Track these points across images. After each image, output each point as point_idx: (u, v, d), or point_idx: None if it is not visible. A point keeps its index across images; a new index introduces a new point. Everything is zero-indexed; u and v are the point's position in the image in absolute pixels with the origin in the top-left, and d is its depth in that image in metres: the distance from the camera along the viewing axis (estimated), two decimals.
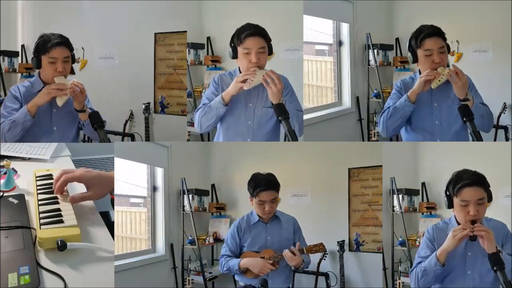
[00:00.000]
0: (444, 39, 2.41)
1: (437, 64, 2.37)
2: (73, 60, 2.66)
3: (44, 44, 2.54)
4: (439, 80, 2.36)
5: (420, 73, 2.46)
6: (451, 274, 2.13)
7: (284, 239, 2.64)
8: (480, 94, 2.47)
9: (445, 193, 2.16)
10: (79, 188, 2.13)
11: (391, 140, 3.59)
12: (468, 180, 2.07)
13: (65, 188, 2.07)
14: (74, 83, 2.52)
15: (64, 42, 2.56)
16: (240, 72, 2.45)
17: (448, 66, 2.41)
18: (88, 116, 2.49)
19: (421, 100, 2.45)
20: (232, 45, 2.43)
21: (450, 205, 2.14)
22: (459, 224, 2.12)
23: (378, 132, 3.83)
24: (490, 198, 2.11)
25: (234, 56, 2.43)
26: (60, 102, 2.53)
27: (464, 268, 2.12)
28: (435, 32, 2.39)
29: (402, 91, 2.50)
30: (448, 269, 2.12)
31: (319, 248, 2.58)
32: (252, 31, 2.38)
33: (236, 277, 2.69)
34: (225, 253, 2.67)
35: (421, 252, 2.21)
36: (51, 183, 2.16)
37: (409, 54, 2.46)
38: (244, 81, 2.36)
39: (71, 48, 2.61)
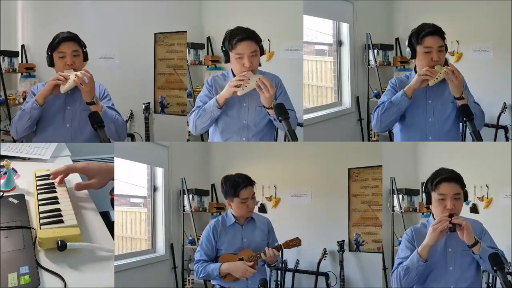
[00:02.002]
0: (444, 39, 2.45)
1: (435, 62, 2.41)
2: (86, 57, 2.69)
3: (53, 41, 2.60)
4: (437, 78, 2.40)
5: (415, 69, 2.50)
6: (433, 272, 2.16)
7: (260, 240, 2.60)
8: (472, 94, 2.50)
9: (424, 190, 2.22)
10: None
11: (390, 139, 3.59)
12: (446, 175, 2.14)
13: (64, 182, 2.17)
14: (82, 71, 2.53)
15: (71, 37, 2.63)
16: (233, 74, 2.47)
17: (446, 64, 2.44)
18: (89, 117, 2.48)
19: (416, 97, 2.48)
20: (224, 49, 2.45)
21: (429, 201, 2.20)
22: None
23: (378, 132, 3.83)
24: (466, 198, 2.18)
25: (227, 60, 2.46)
26: (63, 89, 2.52)
27: (445, 264, 2.16)
28: (436, 31, 2.43)
29: (396, 88, 2.53)
30: (430, 267, 2.14)
31: (296, 242, 2.55)
32: (243, 35, 2.38)
33: (213, 281, 2.57)
34: (201, 258, 2.55)
35: (400, 254, 2.23)
36: (51, 183, 2.17)
37: (408, 49, 2.50)
38: (237, 86, 2.38)
39: (80, 44, 2.66)
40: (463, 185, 2.15)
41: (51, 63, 2.62)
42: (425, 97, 2.50)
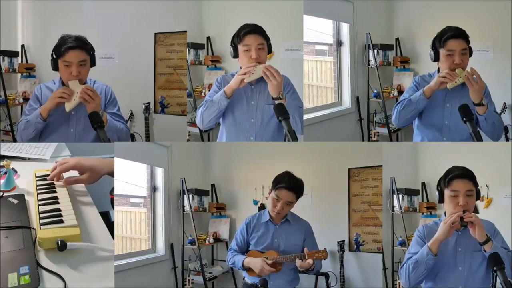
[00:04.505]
0: (468, 42, 2.52)
1: (457, 65, 2.48)
2: (93, 63, 2.61)
3: (59, 47, 2.50)
4: (456, 82, 2.46)
5: (439, 71, 2.56)
6: (442, 271, 2.17)
7: (292, 244, 2.63)
8: (494, 103, 2.55)
9: (437, 188, 2.24)
10: None
11: (390, 139, 3.59)
12: (458, 172, 2.17)
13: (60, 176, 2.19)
14: (84, 89, 2.46)
15: (79, 45, 2.51)
16: None
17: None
18: (89, 117, 2.48)
19: (435, 99, 2.55)
20: (233, 44, 2.52)
21: (441, 199, 2.22)
22: None
23: (378, 132, 3.83)
24: (478, 196, 2.20)
25: (235, 55, 2.51)
26: (67, 107, 2.51)
27: (455, 264, 2.16)
28: (459, 34, 2.51)
29: (419, 86, 2.60)
30: (439, 266, 2.15)
31: (321, 255, 2.54)
32: (251, 28, 2.48)
33: (243, 274, 2.70)
34: (233, 247, 2.72)
35: (411, 249, 2.25)
36: (51, 183, 2.17)
37: (431, 52, 2.56)
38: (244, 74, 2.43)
39: (88, 51, 2.56)
40: (475, 183, 2.18)
41: (55, 67, 2.55)
42: (444, 100, 2.56)
